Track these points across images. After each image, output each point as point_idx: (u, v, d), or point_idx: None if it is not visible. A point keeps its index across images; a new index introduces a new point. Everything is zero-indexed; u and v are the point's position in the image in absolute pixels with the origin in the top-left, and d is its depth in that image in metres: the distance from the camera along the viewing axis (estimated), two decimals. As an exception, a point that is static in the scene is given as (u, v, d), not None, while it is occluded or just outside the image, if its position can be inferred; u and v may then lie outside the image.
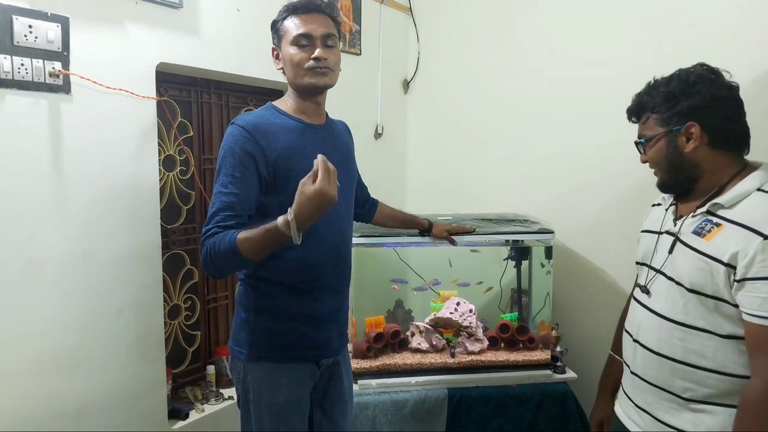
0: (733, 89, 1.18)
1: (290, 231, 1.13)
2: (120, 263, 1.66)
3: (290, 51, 1.35)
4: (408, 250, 2.27)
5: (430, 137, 2.89)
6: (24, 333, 1.46)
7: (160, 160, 1.81)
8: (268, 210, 1.34)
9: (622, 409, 1.36)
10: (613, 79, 2.15)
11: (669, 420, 1.21)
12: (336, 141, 1.48)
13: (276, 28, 1.39)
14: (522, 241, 2.16)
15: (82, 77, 1.52)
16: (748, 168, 1.18)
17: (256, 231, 1.18)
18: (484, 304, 2.38)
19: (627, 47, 2.13)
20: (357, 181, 1.61)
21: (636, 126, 1.30)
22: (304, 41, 1.34)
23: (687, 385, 1.17)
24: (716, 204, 1.15)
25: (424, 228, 1.94)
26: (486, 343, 2.13)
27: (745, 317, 1.08)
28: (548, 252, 2.14)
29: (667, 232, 1.25)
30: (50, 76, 1.45)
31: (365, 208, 1.78)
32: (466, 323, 2.11)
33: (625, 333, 1.36)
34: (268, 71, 1.96)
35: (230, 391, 2.05)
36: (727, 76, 1.19)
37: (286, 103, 1.42)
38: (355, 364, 1.98)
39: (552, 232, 2.07)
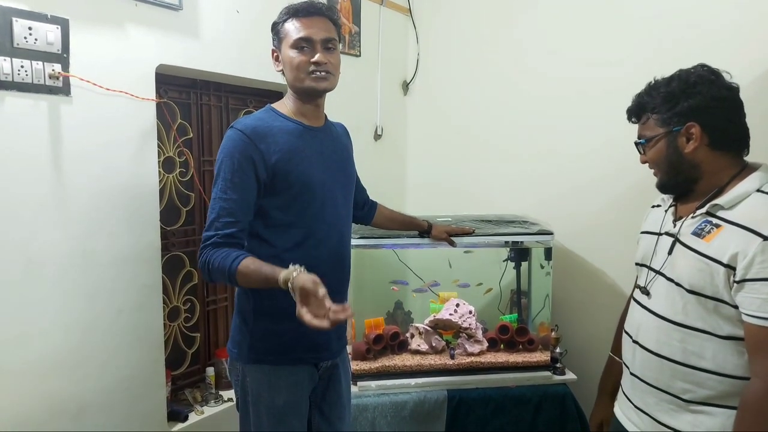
0: (733, 90, 1.18)
1: (287, 288, 1.17)
2: (120, 265, 1.66)
3: (290, 54, 1.35)
4: (407, 251, 2.27)
5: (429, 138, 2.89)
6: (24, 333, 1.46)
7: (159, 161, 1.81)
8: (267, 212, 1.35)
9: (621, 410, 1.36)
10: (612, 79, 2.16)
11: (668, 421, 1.21)
12: (335, 143, 1.48)
13: (276, 30, 1.39)
14: (521, 242, 2.16)
15: (82, 79, 1.52)
16: (747, 169, 1.18)
17: (256, 272, 1.22)
18: (484, 306, 2.38)
19: (627, 48, 2.14)
20: (356, 183, 1.61)
21: (635, 126, 1.30)
22: (304, 45, 1.34)
23: (686, 387, 1.17)
24: (716, 205, 1.15)
25: (423, 229, 1.94)
26: (485, 344, 2.12)
27: (745, 318, 1.08)
28: (548, 253, 2.14)
29: (667, 233, 1.25)
30: (50, 78, 1.45)
31: (364, 210, 1.78)
32: (465, 325, 2.11)
33: (624, 334, 1.36)
34: (268, 73, 1.95)
35: (230, 393, 2.05)
36: (727, 77, 1.19)
37: (285, 105, 1.42)
38: (355, 365, 1.98)
39: (551, 234, 2.06)
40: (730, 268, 1.08)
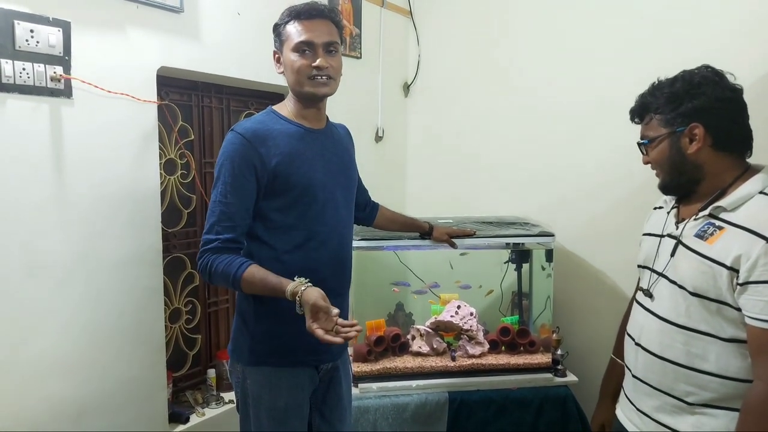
0: (737, 91, 1.18)
1: (294, 300, 1.21)
2: (121, 267, 1.66)
3: (291, 57, 1.35)
4: (408, 253, 2.27)
5: (430, 140, 2.89)
6: (26, 336, 1.46)
7: (161, 163, 1.81)
8: (267, 214, 1.35)
9: (623, 412, 1.36)
10: (614, 82, 2.15)
11: (671, 423, 1.20)
12: (336, 145, 1.48)
13: (278, 31, 1.39)
14: (522, 244, 2.16)
15: (84, 81, 1.52)
16: (750, 171, 1.18)
17: (261, 281, 1.25)
18: (485, 307, 2.38)
19: (628, 50, 2.14)
20: (357, 185, 1.61)
21: (637, 130, 1.30)
22: (305, 48, 1.33)
23: (689, 389, 1.17)
24: (718, 207, 1.15)
25: (424, 231, 1.94)
26: (487, 346, 2.12)
27: (748, 321, 1.08)
28: (549, 255, 2.14)
29: (669, 235, 1.25)
30: (52, 80, 1.45)
31: (366, 211, 1.78)
32: (466, 326, 2.11)
33: (627, 336, 1.35)
34: (269, 75, 1.96)
35: (231, 395, 2.04)
36: (731, 79, 1.19)
37: (287, 107, 1.42)
38: (356, 367, 1.98)
39: (552, 235, 2.06)
40: (733, 270, 1.08)
